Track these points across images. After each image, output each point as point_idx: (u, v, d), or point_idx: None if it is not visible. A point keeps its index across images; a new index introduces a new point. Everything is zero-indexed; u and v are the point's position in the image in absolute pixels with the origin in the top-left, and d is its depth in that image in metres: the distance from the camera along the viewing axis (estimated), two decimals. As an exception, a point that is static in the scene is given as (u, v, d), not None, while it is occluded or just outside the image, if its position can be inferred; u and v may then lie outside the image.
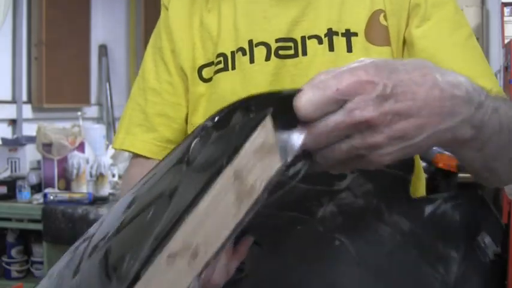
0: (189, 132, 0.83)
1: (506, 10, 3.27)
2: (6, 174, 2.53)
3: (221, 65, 0.81)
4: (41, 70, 3.39)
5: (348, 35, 0.77)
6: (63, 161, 2.38)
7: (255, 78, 0.79)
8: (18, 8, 3.29)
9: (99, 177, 2.39)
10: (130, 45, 3.87)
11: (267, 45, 0.79)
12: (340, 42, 0.77)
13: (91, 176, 2.41)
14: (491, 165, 0.59)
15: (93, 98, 3.90)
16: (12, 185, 2.40)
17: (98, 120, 3.91)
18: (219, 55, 0.82)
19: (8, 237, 2.43)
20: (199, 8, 0.85)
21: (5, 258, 2.43)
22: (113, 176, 2.56)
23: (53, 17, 3.43)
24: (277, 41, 0.79)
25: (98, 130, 2.73)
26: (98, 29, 3.86)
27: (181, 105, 0.85)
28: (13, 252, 2.42)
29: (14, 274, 2.42)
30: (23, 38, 3.35)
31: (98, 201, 2.25)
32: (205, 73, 0.83)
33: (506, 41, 3.15)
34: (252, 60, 0.80)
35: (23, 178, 2.41)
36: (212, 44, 0.82)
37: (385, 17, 0.77)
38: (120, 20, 3.92)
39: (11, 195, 2.39)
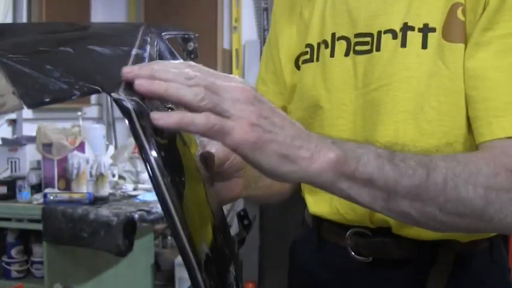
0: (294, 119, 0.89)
1: (506, 10, 3.27)
2: (6, 174, 2.52)
3: (307, 56, 0.83)
4: (41, 70, 3.39)
5: (426, 30, 0.72)
6: (63, 161, 2.38)
7: (333, 72, 0.79)
8: (18, 8, 3.29)
9: (99, 177, 2.39)
10: (130, 45, 3.87)
11: (347, 40, 0.79)
12: (415, 38, 0.73)
13: (91, 176, 2.40)
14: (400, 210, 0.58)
15: (93, 98, 3.90)
16: (12, 185, 2.40)
17: (98, 120, 3.91)
18: (307, 45, 0.83)
19: (8, 237, 2.43)
20: None
21: (5, 258, 2.42)
22: (113, 176, 2.55)
23: (53, 17, 3.43)
24: (356, 36, 0.78)
25: (98, 130, 2.72)
26: (98, 29, 3.86)
27: (282, 94, 0.89)
28: (13, 252, 2.42)
29: (14, 274, 2.42)
30: (23, 38, 3.35)
31: (98, 201, 2.25)
32: (300, 62, 0.85)
33: (506, 41, 3.15)
34: (332, 54, 0.80)
35: (23, 178, 2.41)
36: (305, 34, 0.84)
37: (463, 11, 0.70)
38: (120, 20, 3.91)
39: (11, 195, 2.39)
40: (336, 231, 0.84)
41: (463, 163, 0.59)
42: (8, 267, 2.41)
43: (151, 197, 2.32)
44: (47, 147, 2.37)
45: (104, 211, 2.07)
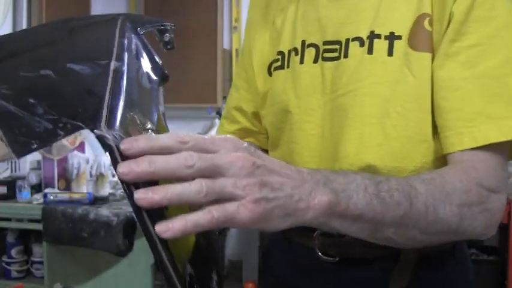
0: (266, 125, 0.90)
1: (506, 10, 3.27)
2: (6, 174, 2.53)
3: (279, 63, 0.86)
4: (41, 70, 3.39)
5: (392, 38, 0.75)
6: (63, 161, 2.38)
7: (302, 78, 0.82)
8: (18, 8, 3.29)
9: (99, 177, 2.39)
10: (130, 45, 3.87)
11: (316, 47, 0.81)
12: (381, 45, 0.75)
13: (91, 176, 2.41)
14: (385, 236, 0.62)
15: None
16: (12, 185, 2.40)
17: (98, 120, 3.91)
18: (278, 53, 0.87)
19: (8, 237, 2.43)
20: (273, 8, 0.91)
21: (5, 258, 2.43)
22: (113, 176, 2.56)
23: (53, 17, 3.43)
24: (324, 43, 0.80)
25: (98, 130, 2.72)
26: (98, 29, 3.87)
27: (254, 101, 0.92)
28: (13, 252, 2.42)
29: (14, 274, 2.42)
30: (23, 38, 3.35)
31: (98, 201, 2.25)
32: (272, 69, 0.88)
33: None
34: (301, 61, 0.83)
35: (23, 178, 2.41)
36: (277, 42, 0.88)
37: (430, 22, 0.73)
38: (120, 20, 3.92)
39: (11, 195, 2.39)
40: (303, 232, 0.83)
41: (440, 185, 0.63)
42: (8, 267, 2.42)
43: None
44: (47, 147, 2.38)
45: (104, 211, 2.07)
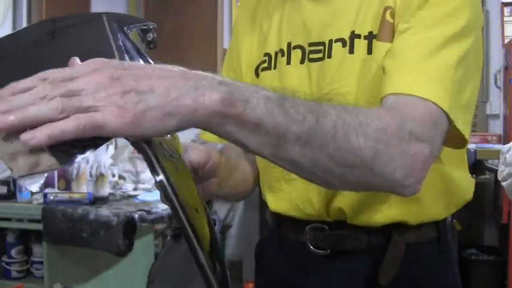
0: None
1: (506, 10, 3.28)
2: (6, 174, 2.52)
3: (265, 64, 0.89)
4: (41, 70, 3.39)
5: (370, 37, 0.78)
6: (63, 161, 2.38)
7: (290, 79, 0.85)
8: (18, 8, 3.29)
9: (99, 177, 2.39)
10: (130, 45, 3.87)
11: (302, 49, 0.84)
12: (361, 44, 0.79)
13: (91, 176, 2.40)
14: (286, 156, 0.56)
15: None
16: (12, 185, 2.40)
17: (98, 120, 3.91)
18: (265, 54, 0.89)
19: (8, 237, 2.43)
20: (260, 12, 0.93)
21: (5, 258, 2.43)
22: (113, 176, 2.56)
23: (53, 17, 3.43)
24: (310, 44, 0.84)
25: (98, 130, 2.72)
26: (98, 29, 3.86)
27: None
28: (13, 252, 2.42)
29: (14, 274, 2.42)
30: (23, 38, 3.35)
31: (98, 201, 2.25)
32: (259, 70, 0.91)
33: (506, 41, 3.16)
34: (288, 62, 0.85)
35: (23, 178, 2.41)
36: (264, 44, 0.90)
37: (392, 13, 0.77)
38: (120, 20, 3.92)
39: (11, 195, 2.39)
40: (295, 227, 0.89)
41: (353, 113, 0.59)
42: (8, 267, 2.41)
43: (151, 197, 2.33)
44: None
45: (104, 211, 2.07)
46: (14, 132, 0.45)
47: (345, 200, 0.82)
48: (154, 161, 0.46)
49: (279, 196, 0.90)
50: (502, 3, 3.26)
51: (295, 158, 0.55)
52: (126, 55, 0.56)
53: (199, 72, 0.51)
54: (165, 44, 3.71)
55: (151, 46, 0.70)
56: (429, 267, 0.86)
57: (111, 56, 0.53)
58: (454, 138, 0.71)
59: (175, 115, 0.47)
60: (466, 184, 0.88)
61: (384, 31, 0.77)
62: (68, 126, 0.44)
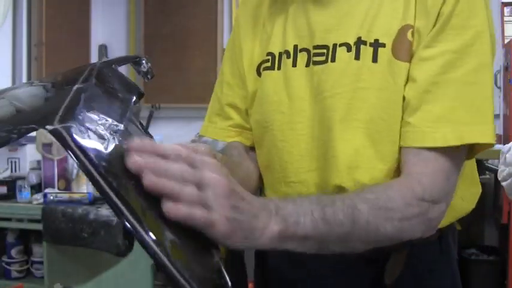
0: (251, 122, 0.94)
1: (506, 10, 3.28)
2: (6, 174, 2.53)
3: (269, 64, 0.89)
4: (41, 70, 3.39)
5: (376, 45, 0.78)
6: (63, 161, 2.39)
7: (295, 80, 0.85)
8: (18, 8, 3.29)
9: (99, 177, 2.39)
10: (130, 45, 3.87)
11: (308, 52, 0.85)
12: (367, 51, 0.78)
13: (91, 176, 2.40)
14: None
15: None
16: (12, 185, 2.40)
17: (98, 120, 3.91)
18: (268, 54, 0.89)
19: (8, 237, 2.44)
20: (263, 11, 0.93)
21: (5, 258, 2.43)
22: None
23: (53, 17, 3.43)
24: (314, 47, 0.84)
25: (98, 130, 2.72)
26: (98, 29, 3.86)
27: (246, 98, 0.94)
28: (13, 252, 2.42)
29: (14, 274, 2.42)
30: (23, 38, 3.35)
31: (98, 201, 2.25)
32: (261, 69, 0.91)
33: (506, 41, 3.16)
34: (294, 64, 0.86)
35: (23, 178, 2.41)
36: (266, 43, 0.90)
37: (412, 33, 0.77)
38: (120, 20, 3.92)
39: (11, 195, 2.39)
40: None
41: (382, 203, 0.70)
42: (8, 267, 2.42)
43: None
44: (47, 147, 2.38)
45: (104, 211, 2.07)
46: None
47: None
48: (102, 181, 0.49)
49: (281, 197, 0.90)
50: (502, 3, 3.26)
51: (335, 250, 0.69)
52: (93, 78, 0.61)
53: (266, 201, 0.63)
54: (165, 44, 3.71)
55: (149, 76, 0.76)
56: (431, 267, 0.86)
57: (75, 81, 0.60)
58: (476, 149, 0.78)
59: (248, 240, 0.58)
60: (468, 196, 0.88)
61: (403, 50, 0.77)
62: (196, 215, 0.53)
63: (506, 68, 3.02)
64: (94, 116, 0.55)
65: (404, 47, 0.77)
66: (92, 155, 0.49)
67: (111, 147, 0.53)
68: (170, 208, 0.53)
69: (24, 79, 3.38)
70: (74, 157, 0.48)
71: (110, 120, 0.56)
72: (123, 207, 0.48)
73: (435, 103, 0.74)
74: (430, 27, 0.75)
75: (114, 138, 0.55)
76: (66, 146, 0.48)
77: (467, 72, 0.74)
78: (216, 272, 0.55)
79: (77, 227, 2.08)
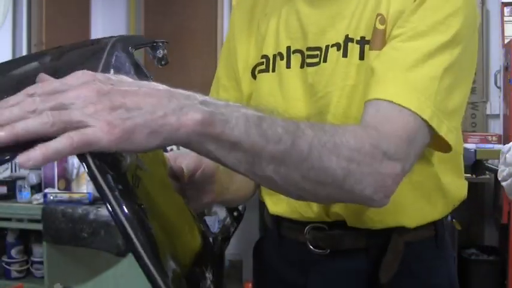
0: None
1: (506, 10, 3.27)
2: (6, 174, 2.53)
3: (263, 66, 0.89)
4: (41, 70, 3.39)
5: (362, 42, 0.79)
6: (63, 161, 2.38)
7: (290, 82, 0.85)
8: (18, 8, 3.30)
9: (99, 177, 2.39)
10: (130, 45, 3.87)
11: (301, 53, 0.85)
12: (354, 49, 0.79)
13: (91, 176, 2.41)
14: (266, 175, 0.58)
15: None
16: (12, 185, 2.40)
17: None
18: (263, 56, 0.89)
19: (8, 237, 2.44)
20: (258, 13, 0.93)
21: (5, 258, 2.43)
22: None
23: (53, 17, 3.43)
24: (307, 49, 0.84)
25: (98, 130, 2.72)
26: (98, 29, 3.86)
27: (242, 100, 0.93)
28: (13, 252, 2.42)
29: (14, 274, 2.42)
30: (23, 38, 3.35)
31: (98, 201, 2.25)
32: (256, 72, 0.91)
33: (506, 41, 3.15)
34: (288, 66, 0.86)
35: (23, 178, 2.41)
36: (261, 46, 0.90)
37: (381, 20, 0.77)
38: (120, 20, 3.92)
39: (11, 195, 2.39)
40: (295, 228, 0.89)
41: (329, 134, 0.61)
42: (8, 267, 2.42)
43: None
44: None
45: (104, 211, 2.07)
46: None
47: (343, 205, 0.82)
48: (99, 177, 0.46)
49: (278, 199, 0.90)
50: (502, 3, 3.26)
51: (269, 175, 0.57)
52: (112, 70, 0.57)
53: (183, 91, 0.53)
54: (165, 44, 3.72)
55: (163, 63, 0.72)
56: (427, 264, 0.87)
57: (94, 70, 0.52)
58: (439, 144, 0.73)
59: (159, 133, 0.48)
60: (457, 186, 0.89)
61: (375, 39, 0.77)
62: (60, 145, 0.44)
63: (506, 68, 3.02)
64: None
65: (377, 36, 0.77)
66: (109, 177, 0.46)
67: (127, 166, 0.51)
68: (22, 159, 0.43)
69: (24, 79, 3.38)
70: (93, 181, 0.45)
71: None
72: (140, 249, 0.45)
73: (388, 62, 0.72)
74: (406, 9, 0.74)
75: (129, 155, 0.52)
76: (88, 168, 0.46)
77: (427, 43, 0.71)
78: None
79: (77, 227, 2.08)
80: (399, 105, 0.68)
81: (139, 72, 0.64)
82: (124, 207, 0.45)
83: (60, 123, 0.45)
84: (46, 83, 0.48)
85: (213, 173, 0.76)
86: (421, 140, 0.69)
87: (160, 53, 0.72)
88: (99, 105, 0.46)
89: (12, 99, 0.46)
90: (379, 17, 0.77)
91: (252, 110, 0.55)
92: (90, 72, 0.49)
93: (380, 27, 0.77)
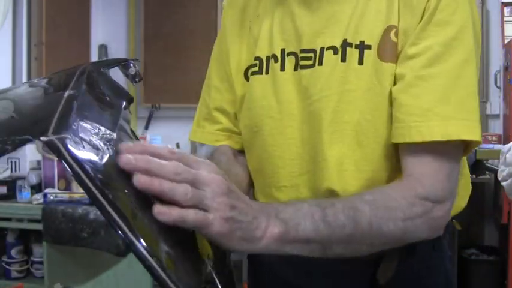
0: (240, 127, 0.93)
1: (506, 10, 3.28)
2: (6, 174, 2.53)
3: (256, 68, 0.88)
4: (41, 70, 3.39)
5: (362, 47, 0.78)
6: (63, 161, 2.38)
7: (284, 85, 0.85)
8: (18, 8, 3.29)
9: (99, 177, 2.39)
10: (130, 45, 3.87)
11: (295, 55, 0.84)
12: (352, 53, 0.79)
13: (91, 176, 2.40)
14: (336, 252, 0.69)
15: (93, 98, 3.89)
16: (12, 185, 2.40)
17: (98, 120, 3.91)
18: (256, 58, 0.89)
19: (8, 237, 2.43)
20: (249, 14, 0.93)
21: (5, 258, 2.43)
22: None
23: (53, 17, 3.43)
24: (301, 51, 0.84)
25: (98, 130, 2.72)
26: (98, 29, 3.86)
27: (234, 102, 0.94)
28: (13, 252, 2.42)
29: (14, 274, 2.42)
30: (23, 38, 3.35)
31: (98, 201, 2.25)
32: (249, 74, 0.90)
33: (506, 41, 3.16)
34: (282, 68, 0.85)
35: (23, 178, 2.41)
36: (254, 47, 0.90)
37: (396, 33, 0.77)
38: (120, 20, 3.92)
39: (11, 195, 2.39)
40: None
41: (382, 203, 0.70)
42: (8, 267, 2.42)
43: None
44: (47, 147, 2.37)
45: (104, 211, 2.07)
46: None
47: None
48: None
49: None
50: (502, 3, 3.26)
51: (339, 253, 0.68)
52: (83, 85, 0.61)
53: (265, 204, 0.64)
54: (165, 44, 3.71)
55: (137, 79, 0.76)
56: (425, 264, 0.87)
57: (65, 87, 0.60)
58: (468, 146, 0.77)
59: (246, 241, 0.58)
60: (463, 194, 0.89)
61: (387, 51, 0.77)
62: (189, 218, 0.52)
63: (506, 68, 3.02)
64: (87, 126, 0.55)
65: (388, 48, 0.77)
66: (87, 167, 0.49)
67: (105, 158, 0.53)
68: (161, 210, 0.51)
69: (24, 79, 3.38)
70: (69, 169, 0.48)
71: (102, 129, 0.57)
72: (120, 221, 0.48)
73: (421, 97, 0.74)
74: (416, 24, 0.75)
75: (108, 149, 0.55)
76: (61, 157, 0.48)
77: (451, 66, 0.74)
78: (209, 281, 0.56)
79: (77, 227, 2.08)
80: (439, 141, 0.72)
81: (114, 88, 0.67)
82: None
83: (194, 200, 0.53)
84: (185, 155, 0.56)
85: None
86: (458, 166, 0.77)
87: (132, 70, 0.75)
88: (226, 199, 0.55)
89: (156, 148, 0.54)
90: (394, 30, 0.77)
91: (315, 206, 0.65)
92: (216, 166, 0.57)
93: (395, 39, 0.77)
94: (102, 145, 0.54)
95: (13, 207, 2.30)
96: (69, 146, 0.49)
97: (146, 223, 0.51)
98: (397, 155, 0.79)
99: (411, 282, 0.85)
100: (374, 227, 0.68)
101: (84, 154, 0.50)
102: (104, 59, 0.79)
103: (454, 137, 0.72)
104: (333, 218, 0.65)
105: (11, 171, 2.58)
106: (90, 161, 0.50)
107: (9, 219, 2.30)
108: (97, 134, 0.55)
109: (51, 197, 2.23)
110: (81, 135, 0.52)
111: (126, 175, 0.53)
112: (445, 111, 0.73)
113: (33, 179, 2.41)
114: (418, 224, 0.72)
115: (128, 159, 0.52)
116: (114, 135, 0.57)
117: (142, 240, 0.48)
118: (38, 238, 2.30)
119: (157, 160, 0.53)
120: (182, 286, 0.48)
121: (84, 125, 0.54)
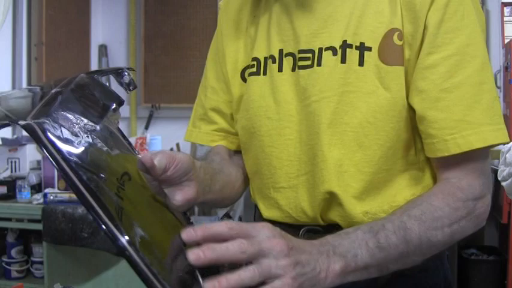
0: (237, 127, 0.93)
1: (506, 10, 3.27)
2: (6, 174, 2.53)
3: (254, 69, 0.88)
4: (41, 70, 3.39)
5: (362, 48, 0.78)
6: (63, 161, 2.38)
7: (282, 86, 0.85)
8: (18, 8, 3.29)
9: (99, 177, 2.39)
10: (130, 45, 3.87)
11: (293, 56, 0.84)
12: (352, 55, 0.78)
13: (91, 176, 2.40)
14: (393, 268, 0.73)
15: (93, 98, 3.89)
16: (12, 185, 2.40)
17: (98, 120, 3.90)
18: (253, 59, 0.88)
19: (8, 237, 2.43)
20: (246, 15, 0.93)
21: (5, 258, 2.43)
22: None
23: (53, 17, 3.43)
24: (299, 52, 0.83)
25: (98, 130, 2.72)
26: (98, 29, 3.86)
27: (231, 102, 0.94)
28: (13, 252, 2.42)
29: (14, 274, 2.42)
30: (23, 38, 3.35)
31: (97, 201, 2.25)
32: (246, 74, 0.90)
33: (506, 41, 3.15)
34: (280, 69, 0.85)
35: (23, 178, 2.41)
36: (251, 48, 0.90)
37: (399, 36, 0.77)
38: (120, 20, 3.92)
39: (11, 195, 2.39)
40: (289, 231, 0.90)
41: (429, 216, 0.72)
42: (8, 267, 2.42)
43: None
44: None
45: (104, 211, 2.07)
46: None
47: (337, 213, 0.82)
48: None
49: (270, 204, 0.89)
50: (502, 3, 3.26)
51: (394, 268, 0.72)
52: (71, 85, 0.63)
53: (320, 242, 0.66)
54: (165, 44, 3.71)
55: (131, 88, 0.77)
56: (423, 264, 0.85)
57: (42, 95, 0.61)
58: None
59: (315, 286, 0.61)
60: None
61: (391, 54, 0.77)
62: None
63: (506, 68, 3.02)
64: (69, 116, 0.56)
65: (393, 52, 0.77)
66: (63, 150, 0.50)
67: (84, 144, 0.55)
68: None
69: (24, 79, 3.38)
70: (45, 151, 0.49)
71: (85, 120, 0.58)
72: (92, 202, 0.49)
73: (450, 109, 0.74)
74: (420, 31, 0.76)
75: (88, 136, 0.56)
76: (38, 140, 0.49)
77: (472, 72, 0.74)
78: (189, 272, 0.57)
79: (77, 227, 2.08)
80: (474, 149, 0.74)
81: (105, 92, 0.68)
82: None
83: (262, 277, 0.56)
84: (239, 223, 0.58)
85: (188, 169, 0.73)
86: (488, 160, 0.80)
87: (126, 78, 0.75)
88: (289, 260, 0.58)
89: (216, 228, 0.57)
90: (396, 33, 0.77)
91: (368, 234, 0.68)
92: (270, 225, 0.60)
93: (398, 42, 0.77)
94: (82, 133, 0.56)
95: (13, 207, 2.30)
96: (47, 131, 0.50)
97: (121, 207, 0.53)
98: (397, 155, 0.79)
99: (410, 282, 0.85)
100: (423, 240, 0.71)
101: (62, 139, 0.52)
102: (96, 69, 0.82)
103: (492, 142, 0.74)
104: (386, 241, 0.69)
105: (11, 171, 2.58)
106: (67, 145, 0.52)
107: (9, 219, 2.30)
108: (78, 124, 0.57)
109: (51, 197, 2.23)
110: (61, 122, 0.54)
111: (105, 163, 0.55)
112: (476, 119, 0.74)
113: (33, 179, 2.41)
114: (463, 224, 0.75)
115: (197, 256, 0.54)
116: (98, 127, 0.59)
117: (115, 221, 0.49)
118: (38, 238, 2.31)
119: (223, 246, 0.55)
120: (156, 271, 0.52)
121: (66, 114, 0.56)
